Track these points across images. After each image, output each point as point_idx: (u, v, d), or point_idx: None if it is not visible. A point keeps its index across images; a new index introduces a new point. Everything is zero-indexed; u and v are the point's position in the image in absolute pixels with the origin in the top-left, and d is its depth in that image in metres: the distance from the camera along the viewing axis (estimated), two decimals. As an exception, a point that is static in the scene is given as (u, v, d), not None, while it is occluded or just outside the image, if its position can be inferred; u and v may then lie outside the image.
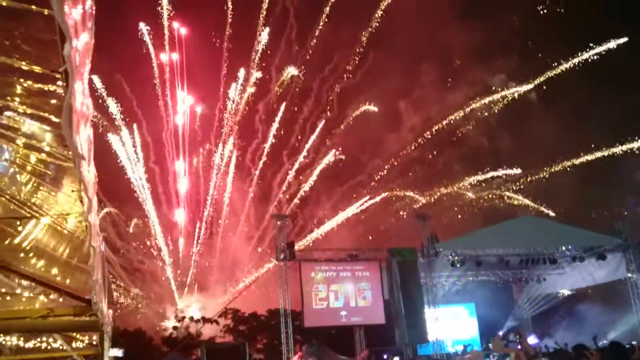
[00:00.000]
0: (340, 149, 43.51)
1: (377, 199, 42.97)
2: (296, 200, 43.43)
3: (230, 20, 43.25)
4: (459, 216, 42.25)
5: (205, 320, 33.59)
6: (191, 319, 34.67)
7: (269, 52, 43.79)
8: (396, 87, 43.64)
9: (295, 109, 44.70)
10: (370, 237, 40.74)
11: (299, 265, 24.38)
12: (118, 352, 27.41)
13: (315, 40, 43.66)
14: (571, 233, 26.07)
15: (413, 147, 44.05)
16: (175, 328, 34.67)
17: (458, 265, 25.33)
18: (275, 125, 43.58)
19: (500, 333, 30.02)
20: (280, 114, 43.55)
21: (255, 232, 43.39)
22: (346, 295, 24.70)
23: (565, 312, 30.60)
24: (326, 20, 43.27)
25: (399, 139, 44.70)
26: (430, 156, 44.44)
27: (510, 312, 31.53)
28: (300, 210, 43.47)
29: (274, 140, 43.87)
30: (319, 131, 44.05)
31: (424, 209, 39.20)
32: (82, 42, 3.71)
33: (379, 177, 44.18)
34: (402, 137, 44.77)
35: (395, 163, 44.24)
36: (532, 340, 28.57)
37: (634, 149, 38.36)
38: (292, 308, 24.05)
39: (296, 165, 44.08)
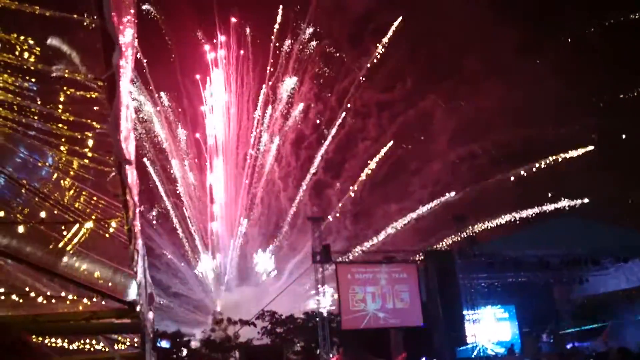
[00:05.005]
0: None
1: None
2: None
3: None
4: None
5: (243, 322, 33.74)
6: (229, 320, 34.85)
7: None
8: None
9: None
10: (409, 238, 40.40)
11: (335, 267, 24.34)
12: (166, 344, 28.38)
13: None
14: (614, 233, 25.40)
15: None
16: (213, 330, 34.92)
17: (497, 267, 24.92)
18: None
19: (534, 334, 29.44)
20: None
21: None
22: (383, 297, 24.50)
23: (607, 315, 29.74)
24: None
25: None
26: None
27: (550, 313, 30.83)
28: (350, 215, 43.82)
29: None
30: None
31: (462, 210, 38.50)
32: (126, 50, 3.77)
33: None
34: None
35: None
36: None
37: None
38: (329, 310, 23.84)
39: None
